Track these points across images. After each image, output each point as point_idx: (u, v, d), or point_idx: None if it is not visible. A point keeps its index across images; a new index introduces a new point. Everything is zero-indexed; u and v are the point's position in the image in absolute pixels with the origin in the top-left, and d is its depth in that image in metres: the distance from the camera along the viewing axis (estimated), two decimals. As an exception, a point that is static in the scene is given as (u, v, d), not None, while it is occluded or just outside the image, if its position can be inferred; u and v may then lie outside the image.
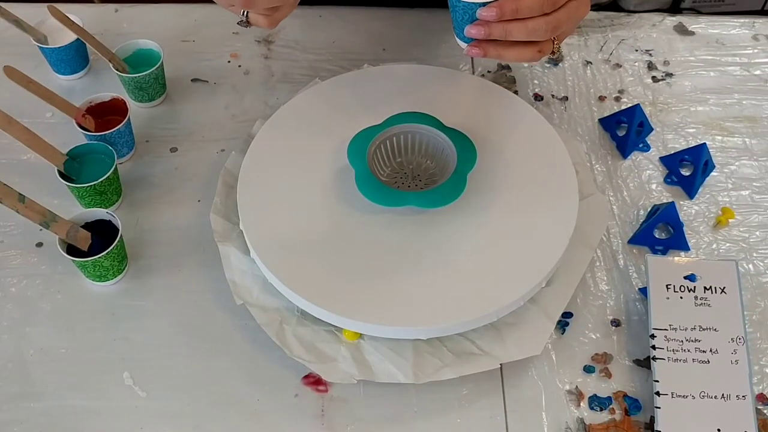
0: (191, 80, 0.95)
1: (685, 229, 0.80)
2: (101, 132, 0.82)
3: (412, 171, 0.79)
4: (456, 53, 0.97)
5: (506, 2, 0.62)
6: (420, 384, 0.68)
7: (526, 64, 0.95)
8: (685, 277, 0.72)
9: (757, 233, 0.81)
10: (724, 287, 0.71)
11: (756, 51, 0.98)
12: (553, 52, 0.67)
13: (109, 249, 0.73)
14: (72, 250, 0.74)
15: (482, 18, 0.64)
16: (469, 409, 0.69)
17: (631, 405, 0.69)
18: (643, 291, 0.76)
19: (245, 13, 0.71)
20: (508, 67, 0.95)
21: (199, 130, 0.90)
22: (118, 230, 0.74)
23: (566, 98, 0.93)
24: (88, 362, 0.72)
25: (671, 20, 1.02)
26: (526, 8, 0.62)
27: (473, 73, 0.95)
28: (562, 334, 0.74)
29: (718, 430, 0.65)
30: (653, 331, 0.69)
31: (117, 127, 0.82)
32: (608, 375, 0.71)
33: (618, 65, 0.97)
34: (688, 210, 0.83)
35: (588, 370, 0.71)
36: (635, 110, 0.88)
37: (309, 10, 1.02)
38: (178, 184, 0.85)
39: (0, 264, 0.79)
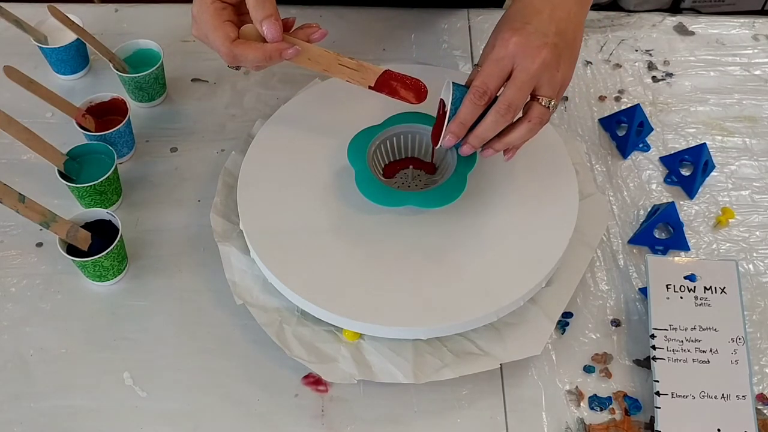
0: (191, 80, 0.95)
1: (685, 229, 0.80)
2: (101, 132, 0.82)
3: (412, 171, 0.79)
4: (456, 53, 0.98)
5: (451, 125, 0.67)
6: (420, 384, 0.68)
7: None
8: (685, 277, 0.72)
9: (757, 233, 0.81)
10: (724, 287, 0.71)
11: (756, 51, 0.98)
12: (548, 108, 0.66)
13: (109, 249, 0.73)
14: (72, 250, 0.74)
15: (446, 146, 0.69)
16: (469, 409, 0.69)
17: (631, 405, 0.69)
18: (643, 291, 0.76)
19: None
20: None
21: (199, 130, 0.90)
22: (118, 230, 0.74)
23: (566, 98, 0.93)
24: (88, 362, 0.72)
25: (671, 20, 1.02)
26: (466, 117, 0.66)
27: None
28: (562, 334, 0.74)
29: (718, 430, 0.65)
30: (653, 331, 0.69)
31: (117, 127, 0.82)
32: (608, 375, 0.71)
33: (618, 65, 0.97)
34: (688, 210, 0.83)
35: (588, 370, 0.71)
36: (635, 110, 0.88)
37: (309, 10, 1.02)
38: (178, 184, 0.85)
39: (0, 264, 0.79)
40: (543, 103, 0.66)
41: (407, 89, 0.70)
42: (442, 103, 0.69)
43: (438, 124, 0.70)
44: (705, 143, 0.86)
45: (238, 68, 0.68)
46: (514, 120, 0.67)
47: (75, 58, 0.93)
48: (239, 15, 0.68)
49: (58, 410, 0.69)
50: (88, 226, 0.76)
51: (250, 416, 0.69)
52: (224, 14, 0.67)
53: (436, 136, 0.70)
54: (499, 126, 0.67)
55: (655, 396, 0.66)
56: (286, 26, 0.69)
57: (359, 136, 0.76)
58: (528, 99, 0.66)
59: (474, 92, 0.65)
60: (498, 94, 0.66)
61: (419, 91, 0.70)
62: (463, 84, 0.68)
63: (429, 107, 0.78)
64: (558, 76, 0.66)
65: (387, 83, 0.70)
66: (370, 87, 0.70)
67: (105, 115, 0.85)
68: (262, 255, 0.71)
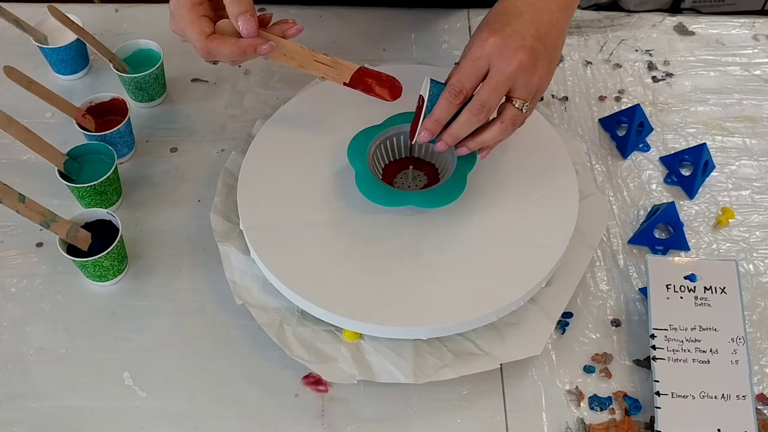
0: (191, 80, 0.95)
1: (685, 229, 0.80)
2: (101, 132, 0.82)
3: (412, 171, 0.79)
4: (456, 53, 0.97)
5: (426, 122, 0.68)
6: (420, 384, 0.68)
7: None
8: (685, 277, 0.72)
9: (757, 233, 0.81)
10: (724, 287, 0.71)
11: (756, 51, 0.98)
12: (521, 110, 0.67)
13: (109, 249, 0.73)
14: (72, 250, 0.74)
15: (421, 141, 0.69)
16: (469, 409, 0.69)
17: (631, 405, 0.69)
18: (643, 291, 0.76)
19: None
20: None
21: (199, 130, 0.90)
22: (118, 230, 0.74)
23: (566, 98, 0.93)
24: (88, 362, 0.72)
25: (671, 20, 1.02)
26: (441, 115, 0.67)
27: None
28: (562, 334, 0.74)
29: (718, 430, 0.65)
30: (653, 331, 0.69)
31: (117, 127, 0.82)
32: (608, 375, 0.71)
33: (618, 65, 0.97)
34: (688, 210, 0.83)
35: (588, 370, 0.71)
36: (635, 110, 0.88)
37: (309, 10, 1.02)
38: (178, 184, 0.85)
39: (0, 264, 0.79)
40: (516, 105, 0.67)
41: (382, 86, 0.71)
42: (421, 99, 0.69)
43: (416, 119, 0.70)
44: (705, 143, 0.86)
45: (215, 62, 0.70)
46: (489, 120, 0.68)
47: (75, 58, 0.93)
48: (216, 10, 0.69)
49: (58, 410, 0.69)
50: (88, 226, 0.76)
51: (250, 416, 0.69)
52: (201, 9, 0.67)
53: (413, 131, 0.71)
54: (472, 125, 0.67)
55: (655, 396, 0.66)
56: (263, 22, 0.69)
57: (359, 136, 0.76)
58: (503, 100, 0.67)
59: (449, 90, 0.66)
60: (474, 94, 0.66)
61: (394, 89, 0.71)
62: (443, 81, 0.68)
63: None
64: (534, 80, 0.66)
65: (362, 80, 0.71)
66: (345, 83, 0.71)
67: (105, 115, 0.85)
68: (262, 255, 0.71)
